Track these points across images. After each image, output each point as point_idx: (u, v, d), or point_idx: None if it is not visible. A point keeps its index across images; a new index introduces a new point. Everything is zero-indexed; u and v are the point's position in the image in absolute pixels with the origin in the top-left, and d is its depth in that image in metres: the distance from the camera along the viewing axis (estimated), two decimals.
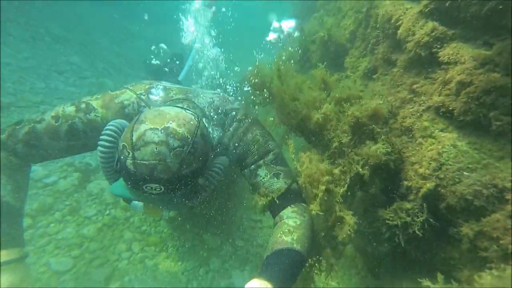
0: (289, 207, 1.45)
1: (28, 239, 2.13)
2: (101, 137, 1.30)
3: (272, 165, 1.53)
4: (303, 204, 1.49)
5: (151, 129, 1.14)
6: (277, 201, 1.46)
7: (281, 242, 1.27)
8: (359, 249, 1.95)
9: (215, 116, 1.57)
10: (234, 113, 1.60)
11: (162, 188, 1.15)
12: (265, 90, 1.82)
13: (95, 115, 1.45)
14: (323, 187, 1.39)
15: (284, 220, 1.39)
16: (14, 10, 5.87)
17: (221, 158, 1.45)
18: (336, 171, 1.37)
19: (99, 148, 1.30)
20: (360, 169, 1.34)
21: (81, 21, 7.76)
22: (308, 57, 2.87)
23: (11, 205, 1.41)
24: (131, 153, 1.12)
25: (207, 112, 1.56)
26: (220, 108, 1.58)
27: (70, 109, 1.46)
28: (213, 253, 2.36)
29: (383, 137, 1.29)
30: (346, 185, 1.36)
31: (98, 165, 2.95)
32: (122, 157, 1.16)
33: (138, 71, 6.53)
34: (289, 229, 1.32)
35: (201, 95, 1.61)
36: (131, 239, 2.37)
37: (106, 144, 1.29)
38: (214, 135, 1.54)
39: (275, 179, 1.50)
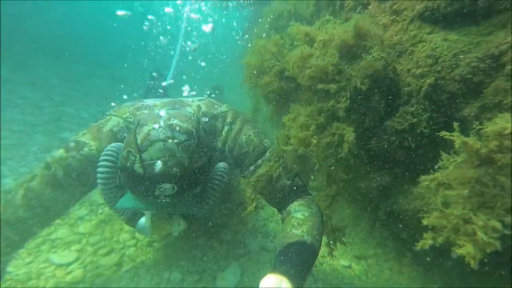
0: (295, 201, 1.44)
1: None
2: (101, 157, 1.29)
3: None
4: (309, 196, 1.48)
5: (154, 128, 1.12)
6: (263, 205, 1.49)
7: (292, 236, 1.26)
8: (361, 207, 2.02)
9: (205, 122, 1.53)
10: (223, 116, 1.57)
11: (175, 187, 1.13)
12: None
13: (89, 149, 1.37)
14: (315, 141, 1.43)
15: (292, 214, 1.38)
16: None
17: (220, 164, 1.45)
18: (333, 86, 1.42)
19: (99, 169, 1.28)
20: (359, 83, 1.40)
21: (25, 62, 7.35)
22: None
23: None
24: (138, 156, 1.09)
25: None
26: (209, 114, 1.55)
27: (59, 152, 1.38)
28: (222, 228, 2.29)
29: (376, 47, 1.37)
30: (348, 100, 1.41)
31: None
32: (128, 164, 1.12)
33: (98, 98, 6.35)
34: (298, 222, 1.31)
35: (188, 104, 1.58)
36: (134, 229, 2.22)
37: (107, 164, 1.27)
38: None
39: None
